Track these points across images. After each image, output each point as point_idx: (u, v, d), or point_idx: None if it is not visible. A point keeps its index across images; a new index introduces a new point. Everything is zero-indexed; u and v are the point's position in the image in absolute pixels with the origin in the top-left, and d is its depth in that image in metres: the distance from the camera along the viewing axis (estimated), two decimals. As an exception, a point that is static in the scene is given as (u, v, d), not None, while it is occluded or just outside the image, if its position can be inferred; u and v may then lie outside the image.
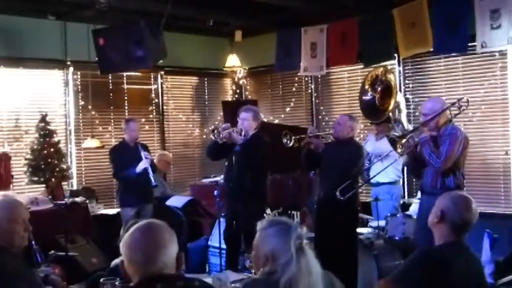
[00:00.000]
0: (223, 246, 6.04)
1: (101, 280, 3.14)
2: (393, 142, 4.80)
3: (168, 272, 2.19)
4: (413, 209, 6.42)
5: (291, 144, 5.59)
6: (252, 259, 2.61)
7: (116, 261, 3.61)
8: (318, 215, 5.71)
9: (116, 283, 3.01)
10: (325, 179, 5.59)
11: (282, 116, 9.10)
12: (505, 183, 6.78)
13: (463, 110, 4.99)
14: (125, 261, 2.21)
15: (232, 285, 3.33)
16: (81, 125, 7.94)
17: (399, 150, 4.82)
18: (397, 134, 6.34)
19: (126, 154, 6.52)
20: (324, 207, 5.58)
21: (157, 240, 2.19)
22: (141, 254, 2.16)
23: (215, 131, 5.49)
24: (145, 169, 6.33)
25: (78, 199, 7.15)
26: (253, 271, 3.45)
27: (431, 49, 6.85)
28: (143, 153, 6.40)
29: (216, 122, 9.16)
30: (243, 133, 5.61)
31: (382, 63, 7.14)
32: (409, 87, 7.56)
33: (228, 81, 9.69)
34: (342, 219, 5.35)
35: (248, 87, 9.67)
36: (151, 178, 6.33)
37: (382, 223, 6.04)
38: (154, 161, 7.70)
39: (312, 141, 5.55)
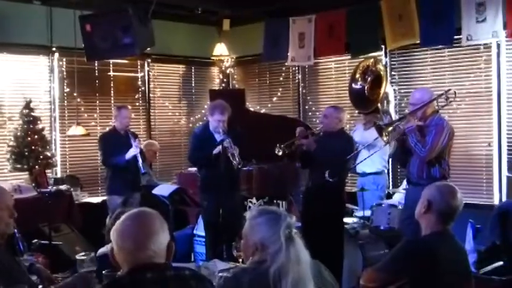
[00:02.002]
0: (209, 235, 6.07)
1: (77, 257, 3.15)
2: (380, 130, 4.83)
3: (158, 261, 2.18)
4: (397, 199, 6.48)
5: (281, 154, 5.59)
6: (241, 248, 2.62)
7: (102, 249, 3.62)
8: (305, 205, 5.75)
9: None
10: (316, 170, 5.60)
11: (269, 105, 9.11)
12: (487, 174, 6.88)
13: (450, 101, 5.05)
14: (114, 248, 2.20)
15: (220, 274, 3.34)
16: (66, 112, 7.86)
17: (385, 138, 4.85)
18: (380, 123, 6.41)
19: (117, 142, 6.48)
20: (311, 197, 5.62)
21: (148, 228, 2.18)
22: (132, 242, 2.15)
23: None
24: (135, 156, 6.31)
25: (62, 187, 7.08)
26: (240, 261, 3.48)
27: (418, 41, 6.90)
28: (133, 141, 6.38)
29: (203, 111, 9.16)
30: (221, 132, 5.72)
31: (370, 54, 7.20)
32: (395, 78, 7.60)
33: (215, 70, 9.66)
34: (329, 209, 5.38)
35: (235, 76, 9.66)
36: (141, 165, 6.32)
37: (367, 213, 6.10)
38: (142, 150, 7.71)
39: (303, 143, 5.56)
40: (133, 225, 2.19)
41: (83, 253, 3.33)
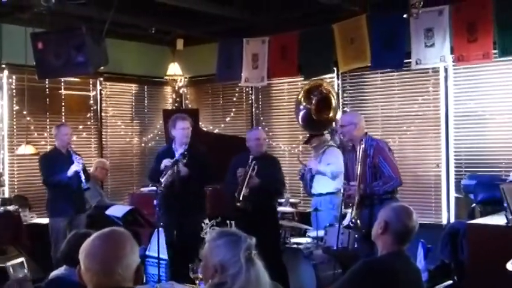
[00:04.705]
0: (162, 256, 5.99)
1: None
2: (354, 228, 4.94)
3: (125, 285, 2.11)
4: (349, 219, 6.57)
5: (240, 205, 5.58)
6: (201, 270, 2.61)
7: (55, 272, 3.53)
8: (241, 227, 5.72)
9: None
10: (253, 196, 5.63)
11: (222, 125, 9.13)
12: (435, 194, 7.06)
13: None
14: (82, 267, 2.13)
15: (177, 296, 3.31)
16: (15, 130, 7.70)
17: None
18: (337, 143, 6.54)
19: (58, 161, 6.37)
20: (246, 219, 5.61)
21: (117, 251, 2.10)
22: (99, 264, 2.08)
23: (158, 188, 5.53)
24: (77, 172, 6.21)
25: (10, 207, 6.91)
26: (197, 282, 3.47)
27: (369, 64, 7.06)
28: (75, 158, 6.28)
29: (155, 131, 9.11)
30: (185, 147, 5.64)
31: (321, 77, 7.35)
32: (346, 100, 7.75)
33: (168, 90, 9.63)
34: (265, 230, 5.36)
35: (188, 96, 9.65)
36: (83, 181, 6.22)
37: (321, 233, 6.15)
38: (91, 169, 7.58)
39: (250, 184, 5.57)
40: (102, 246, 2.11)
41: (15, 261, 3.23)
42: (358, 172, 4.85)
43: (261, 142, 5.78)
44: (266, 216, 5.65)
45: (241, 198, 5.51)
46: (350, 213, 4.90)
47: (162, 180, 5.53)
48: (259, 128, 6.03)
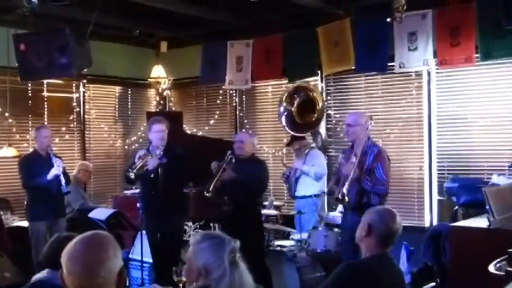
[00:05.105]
0: (145, 259, 5.96)
1: None
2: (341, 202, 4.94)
3: None
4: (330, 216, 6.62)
5: (211, 195, 5.59)
6: (185, 273, 2.60)
7: (38, 276, 3.50)
8: (225, 230, 5.72)
9: None
10: (233, 195, 5.67)
11: (206, 128, 9.11)
12: (418, 197, 7.09)
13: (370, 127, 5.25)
14: (64, 271, 2.12)
15: (160, 299, 3.29)
16: (-3, 132, 7.64)
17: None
18: (319, 145, 6.57)
19: (37, 164, 6.30)
20: (230, 222, 5.67)
21: (100, 254, 2.09)
22: (81, 267, 2.06)
23: (130, 173, 5.49)
24: (57, 176, 6.16)
25: (-9, 210, 6.85)
26: (180, 285, 3.45)
27: (353, 67, 7.10)
28: (55, 161, 6.23)
29: (139, 133, 9.08)
30: (159, 152, 5.63)
31: (306, 80, 7.37)
32: (330, 103, 7.77)
33: (152, 92, 9.60)
34: (248, 233, 5.35)
35: (172, 98, 9.63)
36: (63, 184, 6.18)
37: (304, 236, 6.16)
38: (74, 171, 7.53)
39: (225, 178, 5.59)
40: (84, 249, 2.10)
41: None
42: (358, 157, 4.88)
43: (242, 145, 5.78)
44: (249, 218, 5.65)
45: (210, 189, 5.52)
46: (339, 190, 4.89)
47: (134, 170, 5.51)
48: (249, 132, 6.05)
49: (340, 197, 4.85)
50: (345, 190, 4.81)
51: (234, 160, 5.70)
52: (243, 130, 6.34)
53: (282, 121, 6.95)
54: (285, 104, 6.93)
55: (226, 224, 5.81)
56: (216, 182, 5.56)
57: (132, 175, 5.48)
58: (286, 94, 7.00)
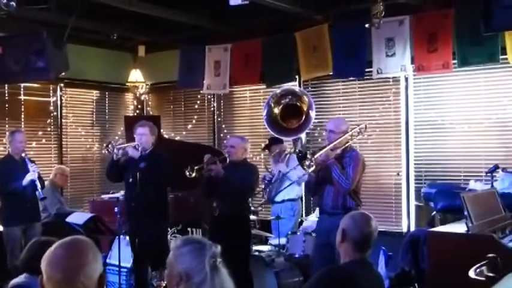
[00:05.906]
0: (123, 264, 5.91)
1: None
2: (301, 159, 4.89)
3: None
4: (306, 225, 6.61)
5: (193, 175, 5.57)
6: (165, 278, 2.58)
7: (16, 280, 3.46)
8: (212, 233, 5.73)
9: None
10: (221, 198, 5.65)
11: (184, 132, 9.08)
12: (396, 202, 7.15)
13: (359, 136, 5.26)
14: (44, 276, 2.11)
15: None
16: (-28, 136, 7.53)
17: (310, 170, 4.89)
18: (302, 150, 6.55)
19: (12, 168, 6.22)
20: (218, 225, 5.64)
21: (79, 259, 2.08)
22: (60, 272, 2.05)
23: (109, 146, 5.58)
24: (33, 181, 6.10)
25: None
26: (160, 290, 3.43)
27: (331, 73, 7.14)
28: (30, 166, 6.15)
29: (116, 137, 9.00)
30: (140, 148, 5.64)
31: (284, 85, 7.37)
32: (308, 108, 7.78)
33: (129, 96, 9.55)
34: (235, 238, 5.36)
35: (150, 102, 9.59)
36: (39, 190, 6.12)
37: (283, 241, 6.16)
38: (51, 175, 7.45)
39: (212, 168, 5.58)
40: (64, 255, 2.09)
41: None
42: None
43: (232, 150, 5.74)
44: (237, 222, 5.59)
45: (195, 169, 5.50)
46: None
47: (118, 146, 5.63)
48: (241, 137, 6.04)
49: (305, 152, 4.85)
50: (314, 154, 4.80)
51: (227, 161, 5.69)
52: (237, 136, 6.31)
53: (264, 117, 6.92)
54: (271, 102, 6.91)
55: (214, 227, 5.77)
56: (204, 169, 5.54)
57: (114, 156, 5.57)
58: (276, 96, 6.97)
